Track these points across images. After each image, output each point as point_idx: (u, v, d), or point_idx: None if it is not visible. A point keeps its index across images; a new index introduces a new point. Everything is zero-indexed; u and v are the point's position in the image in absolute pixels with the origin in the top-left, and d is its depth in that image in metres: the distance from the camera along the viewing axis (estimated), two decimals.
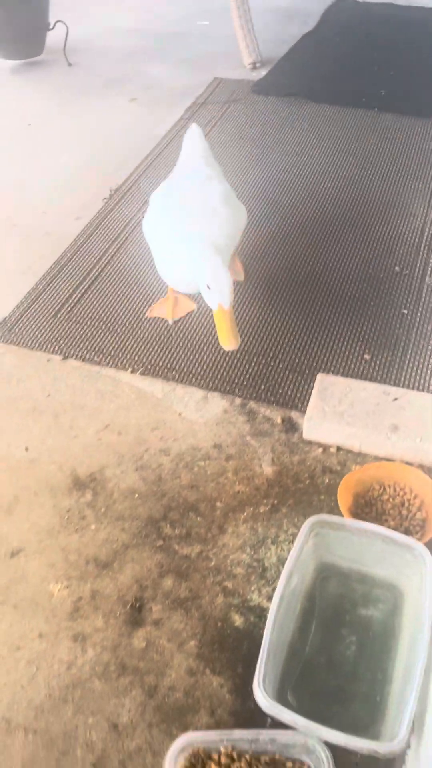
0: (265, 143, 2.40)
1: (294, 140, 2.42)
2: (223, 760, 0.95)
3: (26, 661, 1.11)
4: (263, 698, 0.92)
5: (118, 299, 1.78)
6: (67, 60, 3.04)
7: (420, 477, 1.28)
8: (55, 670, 1.10)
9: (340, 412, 1.39)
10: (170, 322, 1.67)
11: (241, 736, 0.96)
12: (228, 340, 1.33)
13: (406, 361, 1.58)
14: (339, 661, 1.06)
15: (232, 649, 1.11)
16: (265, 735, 0.96)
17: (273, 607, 1.01)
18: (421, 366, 1.57)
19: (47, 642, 1.13)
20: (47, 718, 1.05)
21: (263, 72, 2.91)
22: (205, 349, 1.63)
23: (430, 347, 1.61)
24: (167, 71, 2.97)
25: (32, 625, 1.15)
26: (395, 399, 1.42)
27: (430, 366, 1.56)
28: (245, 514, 1.31)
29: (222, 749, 0.96)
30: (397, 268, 1.85)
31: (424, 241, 1.94)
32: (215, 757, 0.95)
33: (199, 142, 1.69)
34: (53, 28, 2.95)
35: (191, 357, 1.61)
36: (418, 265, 1.86)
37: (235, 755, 0.96)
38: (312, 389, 1.46)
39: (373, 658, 1.06)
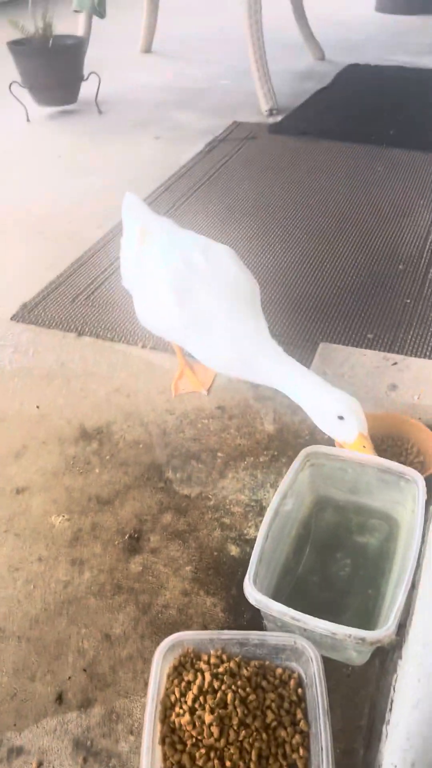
0: (279, 169, 2.56)
1: (306, 168, 2.57)
2: (213, 660, 0.95)
3: (24, 579, 1.13)
4: (253, 591, 0.93)
5: None
6: (98, 108, 3.29)
7: (416, 426, 1.30)
8: (52, 588, 1.11)
9: (341, 374, 1.44)
10: (205, 393, 1.50)
11: (231, 636, 0.96)
12: None
13: (407, 341, 1.63)
14: (332, 580, 1.06)
15: (227, 575, 1.12)
16: (254, 636, 0.96)
17: (266, 519, 1.03)
18: (421, 343, 1.61)
19: (46, 565, 1.15)
20: (41, 628, 1.05)
21: (279, 118, 3.12)
22: None
23: (431, 330, 1.66)
24: (190, 116, 3.20)
25: (32, 551, 1.18)
26: (394, 363, 1.46)
27: (430, 344, 1.61)
28: (245, 462, 1.34)
29: (212, 651, 0.96)
30: (401, 266, 1.93)
31: (427, 246, 2.03)
32: (205, 657, 0.95)
33: (144, 208, 1.54)
34: (87, 79, 3.21)
35: None
36: (421, 264, 1.94)
37: (225, 657, 0.95)
38: (314, 360, 1.51)
39: (367, 577, 1.06)
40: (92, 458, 1.36)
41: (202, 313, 1.28)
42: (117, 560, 1.15)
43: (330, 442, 1.30)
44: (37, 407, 1.49)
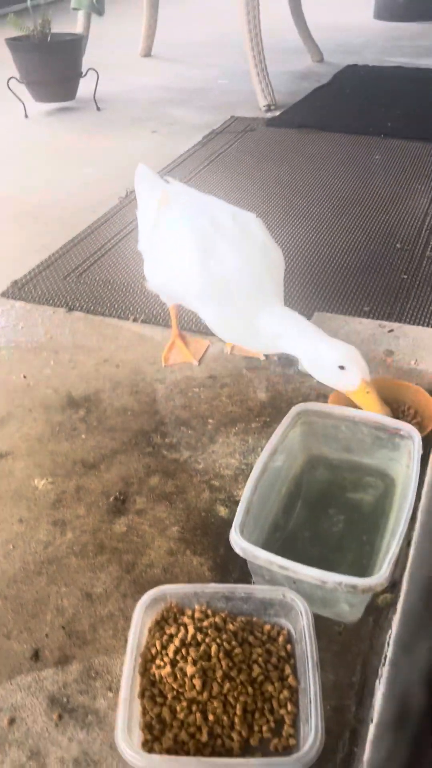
0: (277, 160, 2.54)
1: (304, 157, 2.56)
2: (197, 615, 0.90)
3: (3, 540, 1.08)
4: (239, 539, 0.88)
5: (124, 267, 1.85)
6: (96, 105, 3.29)
7: (413, 389, 1.26)
8: (32, 548, 1.07)
9: None
10: (196, 363, 1.46)
11: (217, 589, 0.91)
12: (382, 410, 1.11)
13: (405, 312, 1.59)
14: (324, 536, 1.01)
15: (215, 535, 1.08)
16: (240, 590, 0.91)
17: (254, 473, 0.99)
18: (418, 314, 1.58)
19: (27, 525, 1.11)
20: (19, 587, 1.01)
21: (277, 113, 3.11)
22: None
23: (427, 302, 1.62)
24: (188, 113, 3.20)
25: (13, 512, 1.13)
26: (390, 330, 1.42)
27: (427, 314, 1.57)
28: (236, 428, 1.29)
29: (197, 606, 0.91)
30: (398, 245, 1.90)
31: (425, 226, 2.00)
32: (189, 612, 0.90)
33: (158, 178, 1.47)
34: (85, 75, 3.22)
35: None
36: (419, 243, 1.91)
37: (209, 612, 0.91)
38: None
39: (361, 532, 1.01)
40: (79, 425, 1.32)
41: (226, 275, 1.21)
42: (101, 521, 1.11)
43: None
44: (24, 377, 1.45)
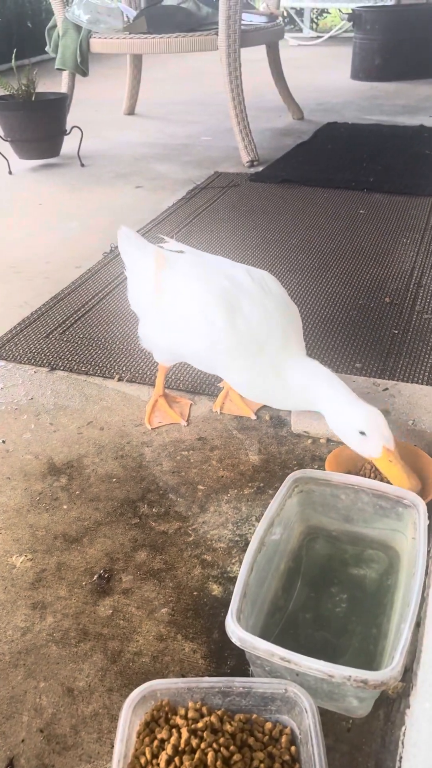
0: (262, 214, 2.54)
1: (289, 213, 2.56)
2: (191, 714, 0.81)
3: None
4: (236, 628, 0.80)
5: (108, 324, 1.80)
6: (80, 161, 3.30)
7: (414, 451, 1.20)
8: (8, 636, 0.97)
9: None
10: (185, 424, 1.41)
11: (212, 684, 0.82)
12: (409, 482, 1.04)
13: (398, 369, 1.55)
14: (327, 617, 0.93)
15: (209, 617, 0.99)
16: (239, 684, 0.82)
17: (250, 550, 0.91)
18: (412, 371, 1.53)
19: (2, 609, 1.01)
20: None
21: (260, 168, 3.14)
22: None
23: (420, 358, 1.58)
24: (172, 168, 3.22)
25: None
26: (385, 389, 1.37)
27: (420, 371, 1.53)
28: (229, 495, 1.22)
29: (190, 703, 0.82)
30: (387, 299, 1.88)
31: (413, 279, 1.98)
32: (182, 711, 0.82)
33: (142, 239, 1.41)
34: (69, 133, 3.24)
35: (179, 366, 1.59)
36: (407, 297, 1.88)
37: (205, 710, 0.82)
38: None
39: (366, 614, 0.93)
40: (60, 494, 1.24)
41: (253, 331, 1.17)
42: (84, 603, 1.02)
43: (321, 469, 1.19)
44: (3, 442, 1.38)
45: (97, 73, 4.88)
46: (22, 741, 0.84)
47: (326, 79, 5.46)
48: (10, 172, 3.20)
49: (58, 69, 3.42)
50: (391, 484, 1.05)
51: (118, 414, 1.45)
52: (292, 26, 7.99)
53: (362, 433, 1.07)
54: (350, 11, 5.83)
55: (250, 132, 3.21)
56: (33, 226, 2.55)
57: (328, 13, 8.37)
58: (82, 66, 3.29)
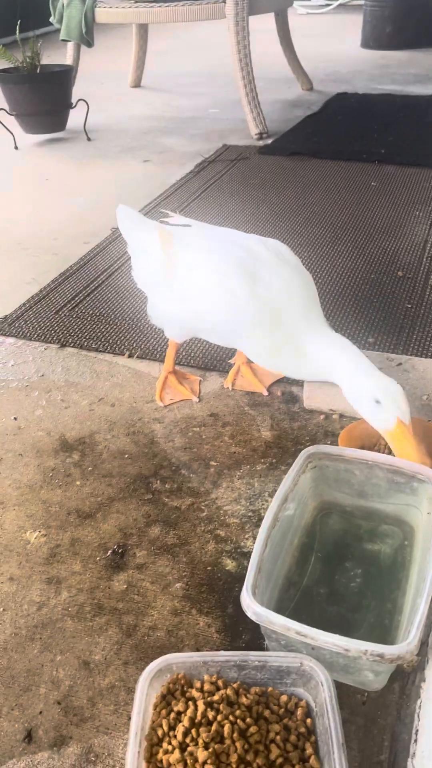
0: (271, 187, 2.51)
1: (299, 186, 2.52)
2: (207, 687, 0.81)
3: None
4: (251, 603, 0.80)
5: (118, 300, 1.79)
6: (87, 135, 3.26)
7: (427, 425, 1.19)
8: (24, 611, 0.98)
9: None
10: (197, 400, 1.40)
11: (228, 658, 0.83)
12: (417, 458, 1.01)
13: (411, 343, 1.53)
14: (341, 592, 0.93)
15: (223, 591, 0.99)
16: (254, 658, 0.83)
17: (264, 525, 0.91)
18: (426, 345, 1.52)
19: (18, 585, 1.02)
20: (10, 656, 0.92)
21: (269, 141, 3.09)
22: None
23: None
24: (179, 141, 3.17)
25: (3, 570, 1.05)
26: (399, 364, 1.36)
27: None
28: (241, 471, 1.22)
29: (206, 676, 0.83)
30: (400, 273, 1.85)
31: (426, 253, 1.95)
32: (198, 684, 0.82)
33: (142, 217, 1.40)
34: (75, 106, 3.19)
35: (190, 342, 1.58)
36: (420, 271, 1.86)
37: (220, 683, 0.82)
38: None
39: (381, 589, 0.93)
40: (73, 470, 1.24)
41: (274, 300, 1.15)
42: (98, 578, 1.02)
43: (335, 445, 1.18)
44: (15, 419, 1.38)
45: (102, 45, 4.80)
46: (40, 713, 0.85)
47: (336, 49, 5.34)
48: (15, 147, 3.16)
49: (62, 40, 3.36)
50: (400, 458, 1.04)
51: (128, 390, 1.45)
52: None
53: (377, 402, 1.05)
54: None
55: (259, 104, 3.15)
56: (39, 201, 2.53)
57: None
58: (87, 36, 3.23)
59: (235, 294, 1.16)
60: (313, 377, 1.21)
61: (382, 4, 5.14)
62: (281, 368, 1.23)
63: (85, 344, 1.60)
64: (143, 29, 4.02)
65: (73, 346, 1.61)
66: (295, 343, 1.15)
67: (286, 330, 1.15)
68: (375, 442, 1.20)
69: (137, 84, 4.30)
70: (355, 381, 1.08)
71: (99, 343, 1.60)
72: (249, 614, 0.81)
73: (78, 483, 1.21)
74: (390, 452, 1.15)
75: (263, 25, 3.84)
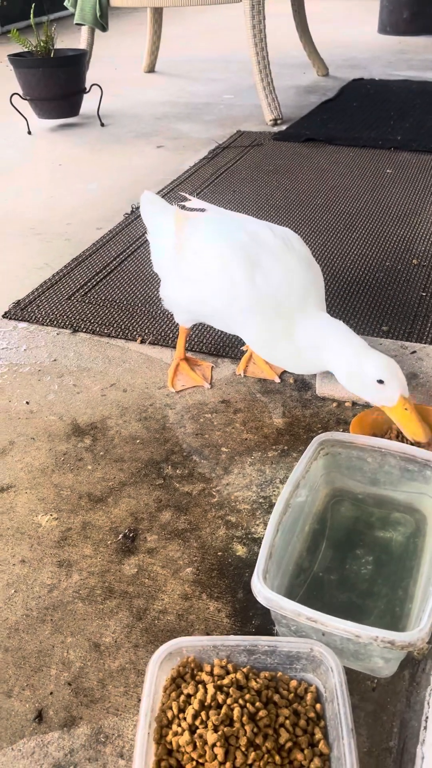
0: (286, 174, 2.49)
1: (313, 172, 2.50)
2: (217, 671, 0.81)
3: (4, 583, 1.00)
4: (262, 588, 0.80)
5: (130, 286, 1.78)
6: (100, 121, 3.24)
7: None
8: (35, 593, 0.99)
9: None
10: (209, 386, 1.39)
11: (238, 642, 0.83)
12: (420, 432, 1.04)
13: (426, 331, 1.52)
14: (352, 579, 0.93)
15: (233, 577, 0.99)
16: (264, 643, 0.82)
17: (276, 511, 0.91)
18: None
19: (29, 567, 1.03)
20: (21, 637, 0.92)
21: (284, 127, 3.06)
22: None
23: None
24: (193, 127, 3.15)
25: (15, 552, 1.05)
26: (413, 352, 1.35)
27: None
28: (252, 457, 1.21)
29: (216, 660, 0.83)
30: (414, 261, 1.83)
31: None
32: (208, 668, 0.82)
33: (165, 203, 1.41)
34: (89, 91, 3.18)
35: (202, 328, 1.57)
36: None
37: (230, 668, 0.82)
38: None
39: (392, 576, 0.93)
40: (84, 454, 1.24)
41: (272, 289, 1.15)
42: (109, 562, 1.03)
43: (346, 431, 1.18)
44: (27, 403, 1.38)
45: (116, 30, 4.77)
46: (51, 693, 0.86)
47: (352, 34, 5.28)
48: (29, 132, 3.15)
49: (77, 24, 3.34)
50: (405, 432, 1.06)
51: (140, 376, 1.44)
52: None
53: (380, 381, 1.05)
54: None
55: (274, 89, 3.12)
56: (52, 187, 2.53)
57: None
58: (101, 21, 3.21)
59: (233, 280, 1.16)
60: (310, 371, 1.20)
61: None
62: (280, 361, 1.22)
63: (98, 330, 1.60)
64: (158, 13, 3.99)
65: (85, 332, 1.61)
66: (288, 336, 1.14)
67: (283, 320, 1.14)
68: (386, 430, 1.19)
69: (151, 69, 4.27)
70: (352, 365, 1.08)
71: (111, 328, 1.60)
72: (260, 599, 0.81)
73: (89, 467, 1.21)
74: (402, 440, 1.14)
75: (279, 10, 3.81)
